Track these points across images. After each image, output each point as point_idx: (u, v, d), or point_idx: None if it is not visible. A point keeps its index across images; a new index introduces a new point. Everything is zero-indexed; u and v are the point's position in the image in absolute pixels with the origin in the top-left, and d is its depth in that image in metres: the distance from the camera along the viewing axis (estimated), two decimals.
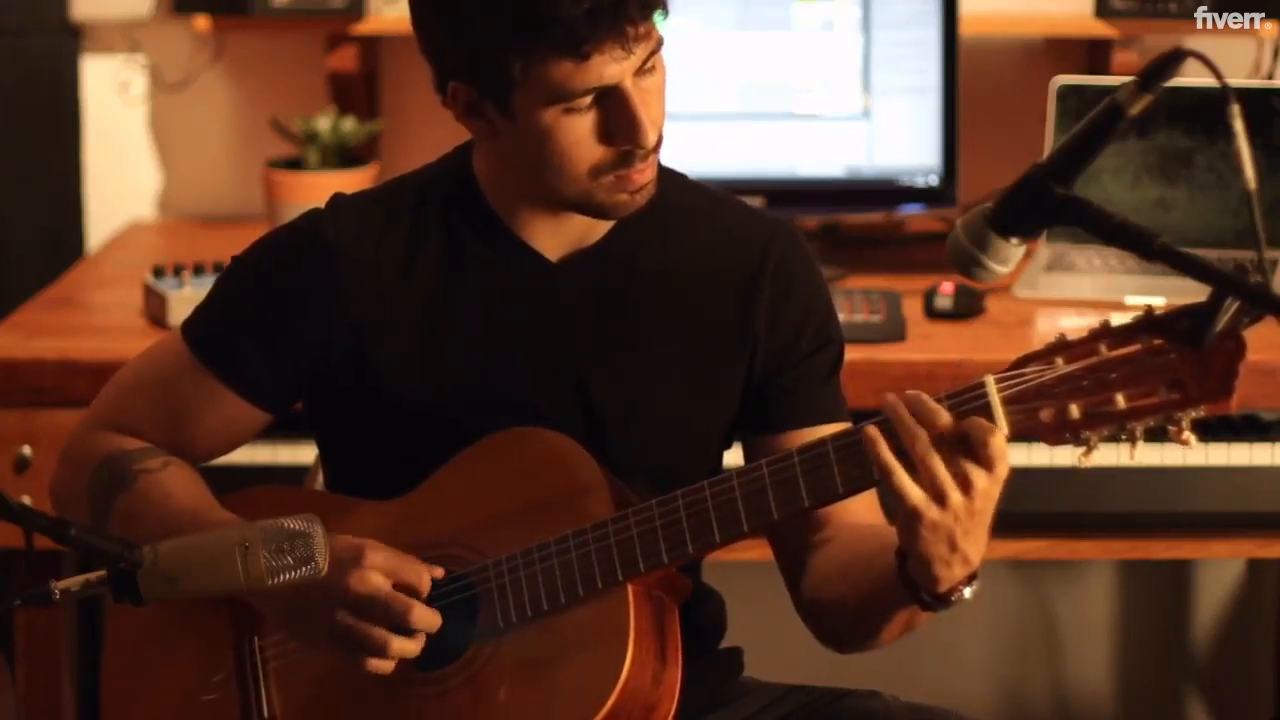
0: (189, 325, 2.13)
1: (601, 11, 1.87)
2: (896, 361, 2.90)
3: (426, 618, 1.95)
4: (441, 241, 2.08)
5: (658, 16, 1.94)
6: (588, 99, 1.93)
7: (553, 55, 1.90)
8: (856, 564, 1.99)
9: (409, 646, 1.95)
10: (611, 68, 1.91)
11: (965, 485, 1.79)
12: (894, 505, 1.84)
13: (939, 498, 1.80)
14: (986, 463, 1.79)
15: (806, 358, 2.11)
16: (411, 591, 1.95)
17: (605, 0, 1.87)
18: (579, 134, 1.95)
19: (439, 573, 1.98)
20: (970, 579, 1.86)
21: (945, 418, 1.81)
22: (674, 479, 1.97)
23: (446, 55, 1.98)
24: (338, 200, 2.12)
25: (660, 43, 1.95)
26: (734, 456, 2.14)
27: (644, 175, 1.98)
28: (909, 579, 1.87)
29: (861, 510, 2.06)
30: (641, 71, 1.94)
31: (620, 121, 1.94)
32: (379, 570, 1.94)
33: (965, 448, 1.79)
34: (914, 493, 1.81)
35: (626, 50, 1.91)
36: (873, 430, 1.83)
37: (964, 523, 1.81)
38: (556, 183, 1.99)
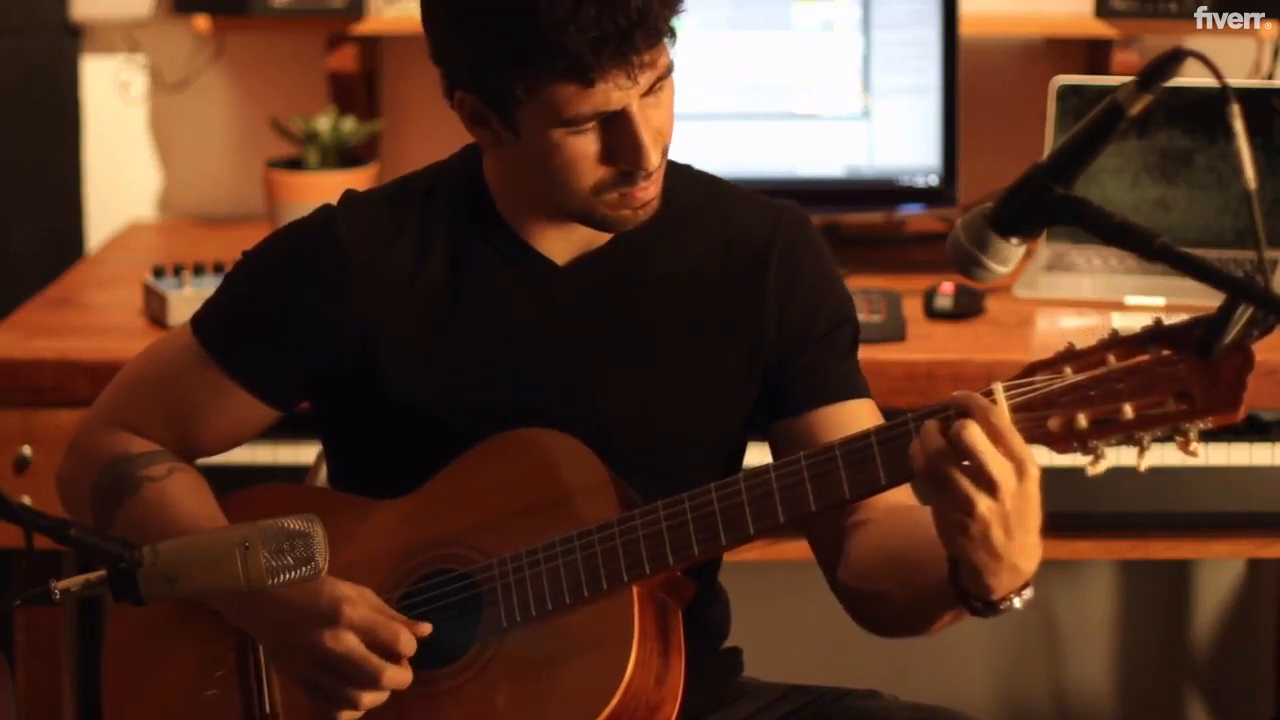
0: (198, 320, 2.13)
1: (606, 40, 1.87)
2: (896, 361, 2.90)
3: (397, 679, 1.95)
4: (449, 243, 2.08)
5: (667, 41, 1.93)
6: (592, 121, 1.93)
7: (557, 80, 1.89)
8: (906, 561, 1.96)
9: (376, 699, 1.95)
10: (616, 94, 1.91)
11: (992, 488, 1.77)
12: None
13: (967, 506, 1.77)
14: (1012, 458, 1.76)
15: (823, 338, 2.10)
16: (388, 650, 1.94)
17: (611, 29, 1.86)
18: (581, 153, 1.95)
19: (424, 630, 1.97)
20: (1022, 588, 1.84)
21: (961, 424, 1.77)
22: (681, 481, 1.96)
23: (454, 66, 1.98)
24: (350, 197, 2.12)
25: (670, 67, 1.94)
26: (754, 456, 2.14)
27: (647, 193, 1.98)
28: (959, 586, 1.85)
29: (896, 492, 2.04)
30: (649, 92, 1.93)
31: (623, 144, 1.94)
32: (355, 629, 1.94)
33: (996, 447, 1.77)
34: (945, 502, 1.78)
35: (632, 79, 1.90)
36: (916, 445, 1.80)
37: (998, 527, 1.77)
38: (559, 196, 1.99)
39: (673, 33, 1.93)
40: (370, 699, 1.95)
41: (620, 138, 1.94)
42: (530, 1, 1.86)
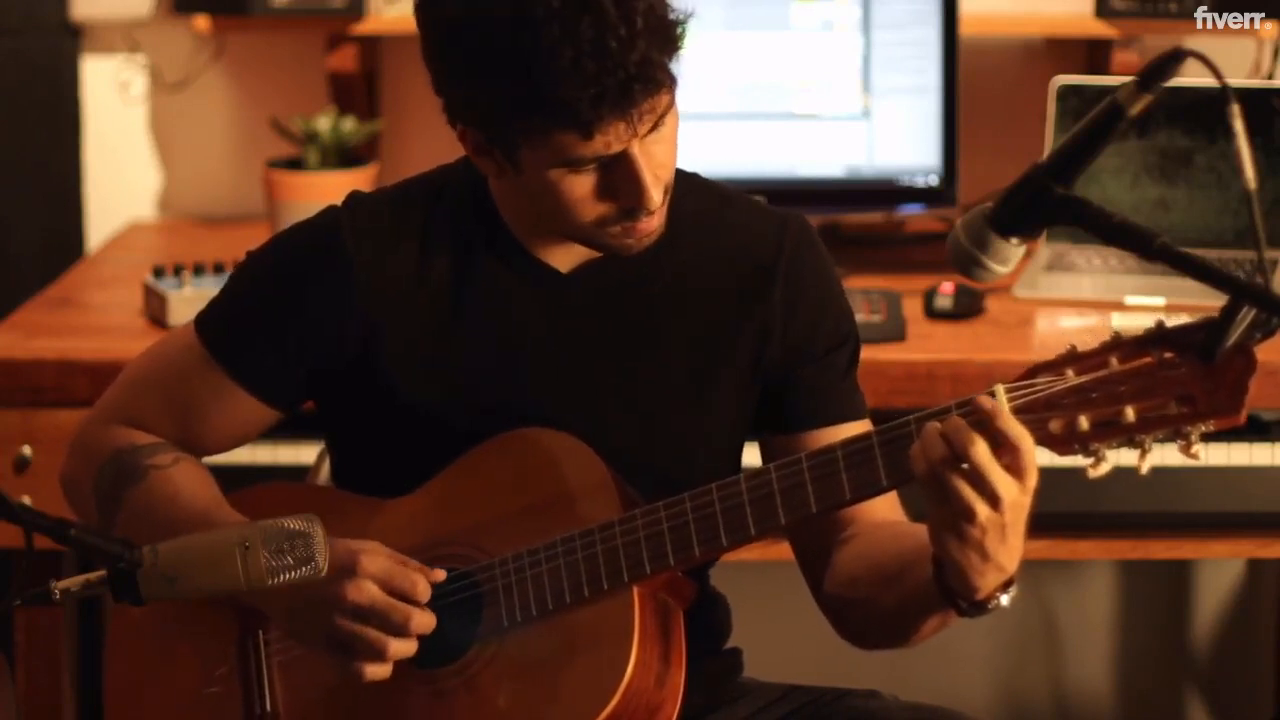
0: (202, 320, 2.13)
1: (607, 95, 1.85)
2: (896, 361, 2.90)
3: (423, 623, 1.95)
4: (454, 247, 2.08)
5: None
6: (593, 163, 1.92)
7: (557, 129, 1.89)
8: (890, 566, 1.98)
9: (405, 648, 1.95)
10: (617, 143, 1.90)
11: (994, 501, 1.78)
12: (923, 511, 1.84)
13: (967, 514, 1.78)
14: (1017, 471, 1.77)
15: (823, 356, 2.11)
16: (407, 597, 1.95)
17: (610, 83, 1.85)
18: (583, 192, 1.94)
19: (439, 576, 1.98)
20: (1007, 585, 1.85)
21: (970, 440, 1.77)
22: (681, 486, 1.96)
23: (455, 104, 1.97)
24: (354, 199, 2.12)
25: (671, 103, 1.93)
26: (749, 458, 2.14)
27: (650, 225, 1.98)
28: (945, 586, 1.86)
29: (883, 508, 2.05)
30: (651, 129, 1.92)
31: (625, 185, 1.93)
32: (374, 578, 1.94)
33: (1000, 456, 1.78)
34: (942, 510, 1.79)
35: (631, 128, 1.89)
36: (918, 448, 1.81)
37: (994, 535, 1.79)
38: (562, 227, 1.99)
39: (673, 80, 1.91)
40: (397, 647, 1.94)
41: (621, 179, 1.93)
42: (528, 56, 1.85)
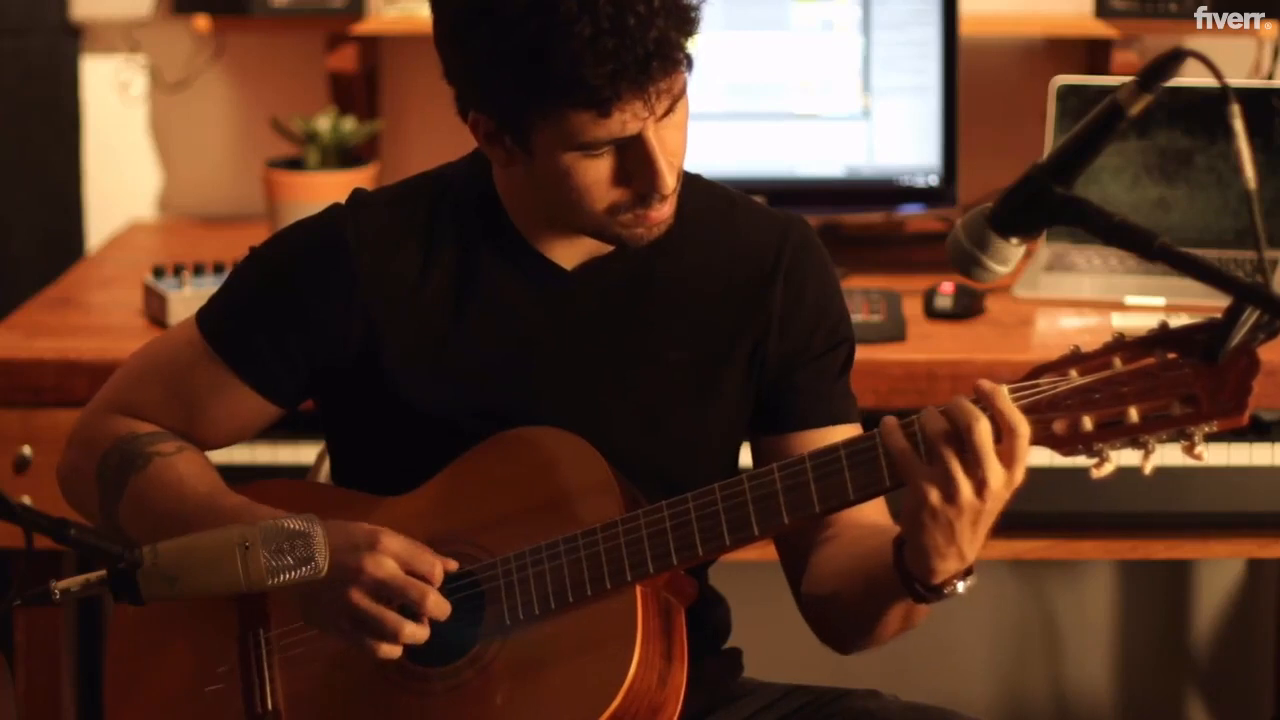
0: (204, 316, 2.13)
1: (624, 72, 1.86)
2: (896, 361, 2.91)
3: (439, 606, 1.96)
4: (458, 245, 2.08)
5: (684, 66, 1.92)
6: (608, 146, 1.93)
7: (574, 109, 1.89)
8: (860, 562, 1.99)
9: (419, 633, 1.95)
10: (633, 122, 1.90)
11: (980, 485, 1.79)
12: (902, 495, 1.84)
13: (949, 493, 1.79)
14: (1008, 458, 1.78)
15: (818, 357, 2.11)
16: (424, 579, 1.95)
17: (628, 60, 1.85)
18: (597, 176, 1.94)
19: (453, 565, 1.98)
20: (966, 573, 1.86)
21: (974, 417, 1.79)
22: (683, 485, 1.96)
23: (467, 89, 1.97)
24: (358, 197, 2.12)
25: (685, 87, 1.93)
26: (746, 458, 2.14)
27: (662, 213, 1.98)
28: (904, 569, 1.87)
29: (869, 510, 2.06)
30: (664, 114, 1.93)
31: (639, 168, 1.94)
32: (393, 556, 1.95)
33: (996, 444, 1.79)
34: (925, 485, 1.80)
35: (649, 107, 1.90)
36: (891, 420, 1.83)
37: (967, 520, 1.81)
38: (573, 215, 1.99)
39: (690, 60, 1.92)
40: (411, 629, 1.95)
41: (636, 162, 1.93)
42: (546, 34, 1.85)
